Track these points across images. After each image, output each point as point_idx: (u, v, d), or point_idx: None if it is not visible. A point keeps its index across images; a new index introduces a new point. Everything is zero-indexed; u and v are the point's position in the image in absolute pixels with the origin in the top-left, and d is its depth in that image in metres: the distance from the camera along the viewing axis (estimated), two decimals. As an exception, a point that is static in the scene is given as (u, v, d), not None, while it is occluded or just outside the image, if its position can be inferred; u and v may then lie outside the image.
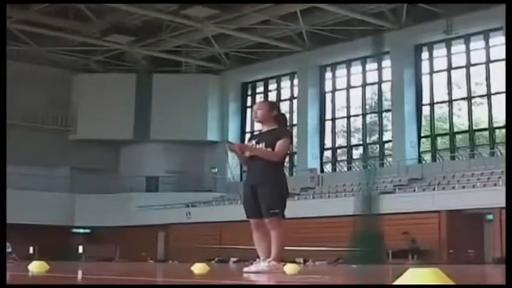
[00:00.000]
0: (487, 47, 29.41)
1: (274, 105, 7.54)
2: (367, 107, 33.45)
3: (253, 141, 7.23)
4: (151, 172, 36.28)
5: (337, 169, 33.94)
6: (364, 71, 33.20)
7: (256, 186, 7.04)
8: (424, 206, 25.15)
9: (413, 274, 3.43)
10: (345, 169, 33.57)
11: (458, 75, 30.59)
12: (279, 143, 7.04)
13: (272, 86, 37.25)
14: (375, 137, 33.02)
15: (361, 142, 33.75)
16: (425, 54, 31.16)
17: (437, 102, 31.03)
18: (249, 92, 38.03)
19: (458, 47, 30.24)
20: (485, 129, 29.74)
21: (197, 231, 30.87)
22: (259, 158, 7.07)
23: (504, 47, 26.47)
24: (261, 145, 7.15)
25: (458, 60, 30.37)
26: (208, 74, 37.28)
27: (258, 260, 7.13)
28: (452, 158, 29.97)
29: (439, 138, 31.20)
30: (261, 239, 7.07)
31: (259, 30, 32.49)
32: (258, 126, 7.56)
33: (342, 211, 26.17)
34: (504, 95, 26.96)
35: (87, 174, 35.76)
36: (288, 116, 38.67)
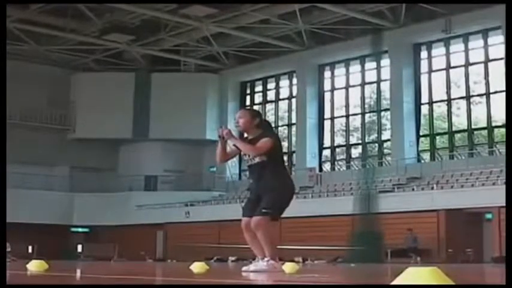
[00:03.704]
0: (486, 46, 29.40)
1: (257, 113, 7.35)
2: (365, 106, 33.42)
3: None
4: (150, 171, 36.25)
5: (336, 168, 33.92)
6: (363, 70, 33.18)
7: (261, 194, 7.04)
8: (422, 205, 25.12)
9: (412, 273, 3.43)
10: (344, 168, 33.56)
11: (457, 74, 30.58)
12: (261, 140, 7.00)
13: (271, 85, 37.22)
14: (374, 136, 32.99)
15: (359, 141, 33.72)
16: (424, 53, 31.14)
17: (436, 101, 31.02)
18: (248, 91, 38.02)
19: (457, 46, 30.23)
20: (484, 128, 29.73)
21: (196, 230, 30.88)
22: (258, 168, 7.04)
23: (503, 46, 26.50)
24: (246, 156, 7.14)
25: (457, 59, 30.35)
26: (207, 73, 37.25)
27: (256, 259, 7.12)
28: (451, 157, 29.95)
29: (437, 137, 31.18)
30: (253, 239, 7.05)
31: (258, 29, 32.48)
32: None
33: (340, 210, 26.18)
34: (503, 93, 26.99)
35: (86, 173, 35.74)
36: (286, 115, 38.50)
